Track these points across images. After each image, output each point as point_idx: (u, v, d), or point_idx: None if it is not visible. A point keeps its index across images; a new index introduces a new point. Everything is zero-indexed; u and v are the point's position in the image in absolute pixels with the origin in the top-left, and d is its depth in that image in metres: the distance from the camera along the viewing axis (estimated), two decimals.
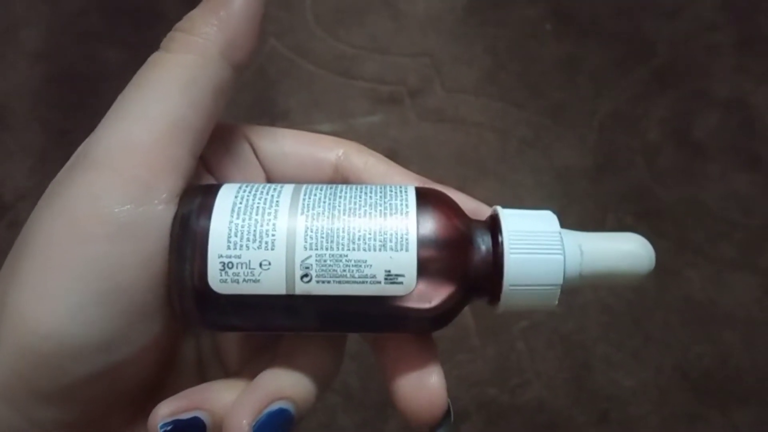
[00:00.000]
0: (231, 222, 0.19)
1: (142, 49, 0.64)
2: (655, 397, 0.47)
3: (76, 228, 0.19)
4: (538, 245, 0.20)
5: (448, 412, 0.21)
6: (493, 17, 0.64)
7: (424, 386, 0.21)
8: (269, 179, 0.24)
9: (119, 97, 0.21)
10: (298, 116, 0.59)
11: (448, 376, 0.48)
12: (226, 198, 0.19)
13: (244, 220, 0.19)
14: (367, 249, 0.18)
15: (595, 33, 0.63)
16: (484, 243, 0.20)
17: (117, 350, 0.19)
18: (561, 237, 0.20)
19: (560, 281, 0.19)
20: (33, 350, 0.18)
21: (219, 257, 0.18)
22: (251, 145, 0.23)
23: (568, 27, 0.64)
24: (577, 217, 0.54)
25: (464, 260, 0.19)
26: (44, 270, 0.19)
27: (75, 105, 0.59)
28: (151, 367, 0.21)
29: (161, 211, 0.19)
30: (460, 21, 0.64)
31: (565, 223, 0.59)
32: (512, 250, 0.19)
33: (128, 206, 0.19)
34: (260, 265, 0.18)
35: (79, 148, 0.21)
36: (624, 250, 0.20)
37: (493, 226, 0.20)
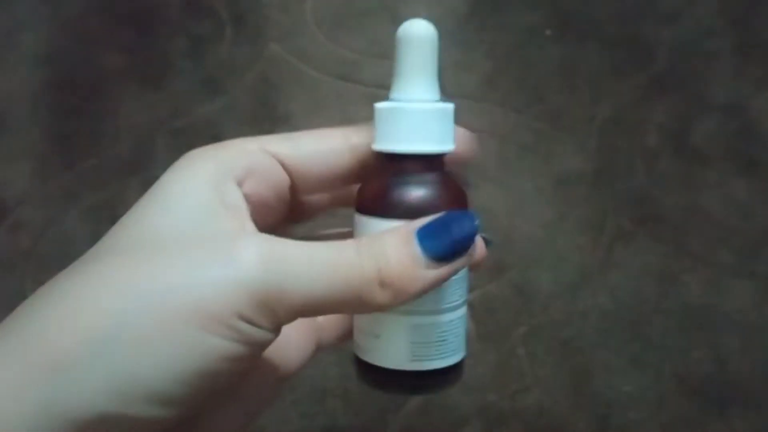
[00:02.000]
0: None
1: (143, 53, 0.65)
2: (654, 402, 0.47)
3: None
4: None
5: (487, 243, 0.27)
6: (492, 22, 0.64)
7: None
8: (293, 180, 0.25)
9: None
10: (298, 120, 0.59)
11: None
12: None
13: None
14: None
15: (594, 38, 0.63)
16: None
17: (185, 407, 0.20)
18: None
19: None
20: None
21: None
22: (273, 154, 0.25)
23: (568, 32, 0.64)
24: (577, 221, 0.54)
25: None
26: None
27: (76, 109, 0.59)
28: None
29: None
30: (460, 26, 0.64)
31: (564, 228, 0.59)
32: None
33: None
34: None
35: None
36: None
37: None
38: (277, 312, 0.20)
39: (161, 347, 0.19)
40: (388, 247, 0.21)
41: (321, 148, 0.26)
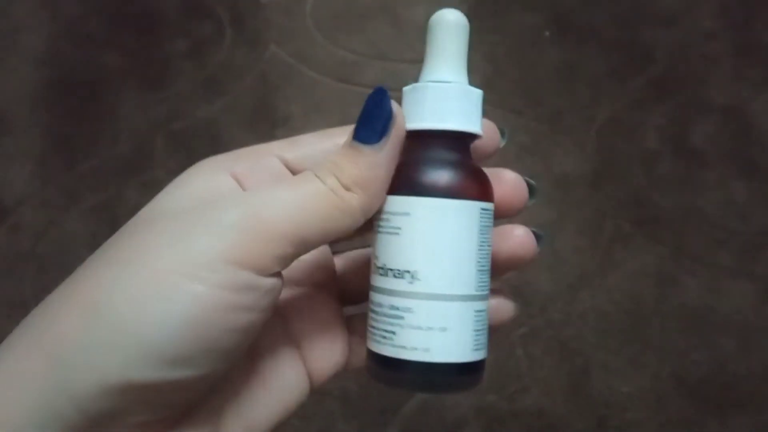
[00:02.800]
0: None
1: (143, 55, 0.65)
2: (652, 403, 0.47)
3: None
4: None
5: (532, 189, 0.27)
6: (492, 24, 0.64)
7: (501, 179, 0.27)
8: None
9: None
10: (298, 122, 0.59)
11: None
12: None
13: None
14: None
15: (593, 41, 0.64)
16: None
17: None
18: None
19: None
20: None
21: None
22: (279, 158, 0.25)
23: (567, 35, 0.64)
24: (576, 223, 0.54)
25: None
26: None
27: (75, 110, 0.59)
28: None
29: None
30: None
31: (563, 230, 0.59)
32: None
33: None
34: None
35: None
36: None
37: None
38: (262, 250, 0.21)
39: (155, 304, 0.19)
40: (335, 157, 0.23)
41: (324, 147, 0.25)
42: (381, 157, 0.23)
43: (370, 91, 0.23)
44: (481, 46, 0.63)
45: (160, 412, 0.21)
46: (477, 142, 0.26)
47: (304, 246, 0.22)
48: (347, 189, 0.22)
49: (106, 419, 0.20)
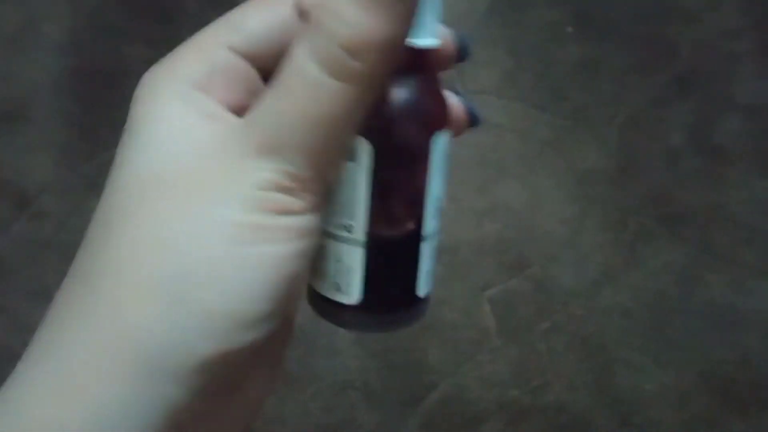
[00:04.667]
0: None
1: (164, 44, 0.65)
2: (676, 401, 0.47)
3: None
4: None
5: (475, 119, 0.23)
6: (513, 19, 0.64)
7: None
8: (255, 61, 0.21)
9: None
10: None
11: (469, 376, 0.49)
12: None
13: None
14: None
15: (616, 36, 0.63)
16: None
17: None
18: None
19: None
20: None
21: None
22: (231, 49, 0.21)
23: (589, 30, 0.64)
24: (598, 220, 0.54)
25: None
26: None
27: (97, 99, 0.59)
28: None
29: None
30: (480, 22, 0.63)
31: (585, 227, 0.58)
32: None
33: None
34: None
35: None
36: None
37: None
38: (297, 153, 0.18)
39: (231, 275, 0.18)
40: (344, 15, 0.17)
41: (272, 25, 0.21)
42: (402, 8, 0.17)
43: None
44: (503, 40, 0.63)
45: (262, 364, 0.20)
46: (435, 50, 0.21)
47: (333, 140, 0.18)
48: (356, 56, 0.17)
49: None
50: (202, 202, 0.18)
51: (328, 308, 0.21)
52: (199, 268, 0.18)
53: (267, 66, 0.21)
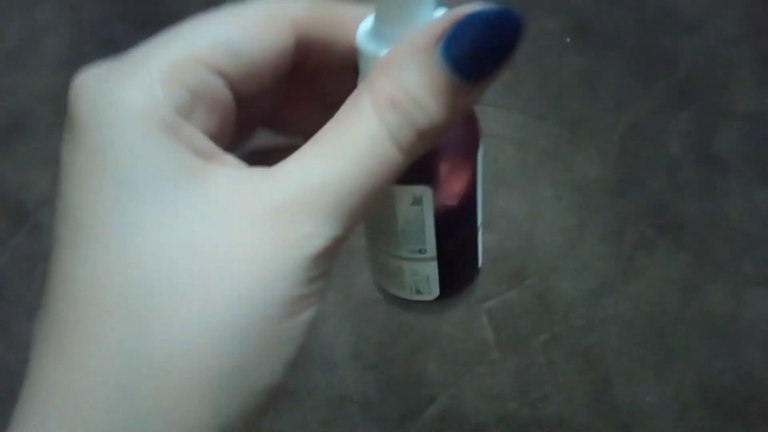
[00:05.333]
0: None
1: None
2: (676, 412, 0.47)
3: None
4: None
5: None
6: None
7: None
8: (235, 95, 0.19)
9: None
10: None
11: (468, 389, 0.48)
12: None
13: None
14: None
15: (615, 46, 0.63)
16: None
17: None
18: None
19: None
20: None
21: None
22: (210, 68, 0.18)
23: (588, 40, 0.64)
24: (598, 229, 0.54)
25: None
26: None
27: None
28: None
29: None
30: None
31: (585, 235, 0.58)
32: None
33: None
34: None
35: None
36: None
37: None
38: (353, 218, 0.17)
39: (268, 350, 0.17)
40: (417, 89, 0.17)
41: (269, 51, 0.19)
42: (471, 100, 0.17)
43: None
44: None
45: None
46: None
47: (367, 200, 0.18)
48: (422, 138, 0.17)
49: None
50: (248, 282, 0.16)
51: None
52: (248, 352, 0.17)
53: (242, 87, 0.18)
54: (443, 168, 0.21)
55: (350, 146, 0.17)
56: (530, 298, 0.51)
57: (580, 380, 0.48)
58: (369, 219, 0.22)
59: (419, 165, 0.18)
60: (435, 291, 0.24)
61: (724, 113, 0.60)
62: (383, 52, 0.17)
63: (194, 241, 0.16)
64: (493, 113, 0.59)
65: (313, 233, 0.16)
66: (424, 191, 0.21)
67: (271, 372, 0.17)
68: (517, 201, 0.55)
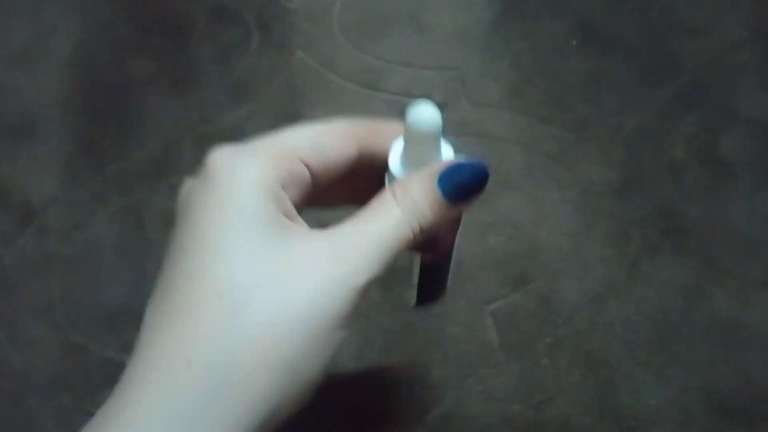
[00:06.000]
0: None
1: (171, 59, 0.65)
2: (679, 416, 0.47)
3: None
4: None
5: None
6: (518, 31, 0.64)
7: None
8: (313, 182, 0.29)
9: None
10: None
11: (471, 390, 0.49)
12: None
13: None
14: None
15: (620, 49, 0.63)
16: None
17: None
18: None
19: None
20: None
21: None
22: (302, 160, 0.28)
23: (594, 43, 0.64)
24: (602, 233, 0.54)
25: None
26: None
27: (104, 113, 0.59)
28: None
29: None
30: (485, 35, 0.64)
31: (590, 239, 0.59)
32: None
33: None
34: None
35: None
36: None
37: None
38: (386, 265, 0.27)
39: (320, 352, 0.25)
40: (421, 201, 0.27)
41: (342, 155, 0.29)
42: (455, 213, 0.29)
43: (474, 161, 0.29)
44: (507, 54, 0.63)
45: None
46: None
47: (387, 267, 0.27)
48: (422, 232, 0.27)
49: None
50: (316, 296, 0.25)
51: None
52: (305, 348, 0.24)
53: (320, 181, 0.29)
54: (430, 242, 0.30)
55: (385, 221, 0.26)
56: (534, 301, 0.51)
57: (584, 383, 0.48)
58: None
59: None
60: (413, 302, 0.37)
61: (729, 117, 0.60)
62: (405, 174, 0.28)
63: (281, 264, 0.24)
64: (498, 116, 0.59)
65: (363, 269, 0.25)
66: (414, 255, 0.33)
67: (314, 368, 0.25)
68: (521, 204, 0.55)
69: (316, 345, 0.24)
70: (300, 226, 0.27)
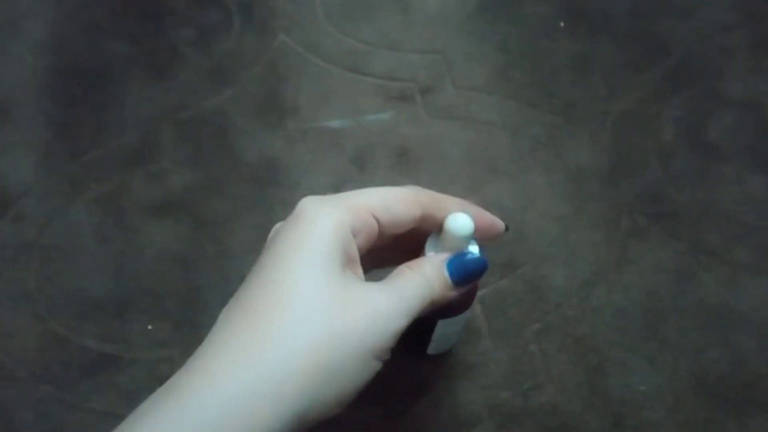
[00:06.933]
0: None
1: (149, 43, 0.63)
2: (669, 402, 0.46)
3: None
4: None
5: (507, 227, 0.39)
6: (505, 14, 0.63)
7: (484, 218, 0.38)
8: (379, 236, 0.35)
9: None
10: (307, 112, 0.58)
11: (459, 378, 0.48)
12: None
13: None
14: None
15: (608, 32, 0.62)
16: None
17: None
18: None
19: None
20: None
21: None
22: (375, 216, 0.34)
23: (581, 25, 0.63)
24: (591, 218, 0.53)
25: None
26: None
27: (80, 98, 0.58)
28: None
29: None
30: (471, 17, 0.63)
31: (578, 225, 0.58)
32: None
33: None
34: None
35: None
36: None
37: None
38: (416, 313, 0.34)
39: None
40: (435, 278, 0.35)
41: (406, 215, 0.34)
42: (456, 294, 0.36)
43: (475, 255, 0.36)
44: (494, 36, 0.62)
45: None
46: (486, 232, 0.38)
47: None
48: (432, 304, 0.34)
49: None
50: (364, 328, 0.31)
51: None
52: (344, 368, 0.30)
53: (385, 230, 0.34)
54: (447, 308, 0.37)
55: (416, 282, 0.34)
56: (522, 287, 0.50)
57: (573, 370, 0.47)
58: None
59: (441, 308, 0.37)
60: (429, 350, 0.45)
61: (717, 100, 0.59)
62: (432, 253, 0.36)
63: (341, 294, 0.31)
64: (486, 100, 0.58)
65: (398, 316, 0.32)
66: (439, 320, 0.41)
67: (345, 388, 0.30)
68: (509, 189, 0.54)
69: (357, 366, 0.30)
70: (356, 273, 0.33)
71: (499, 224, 0.38)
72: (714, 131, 0.57)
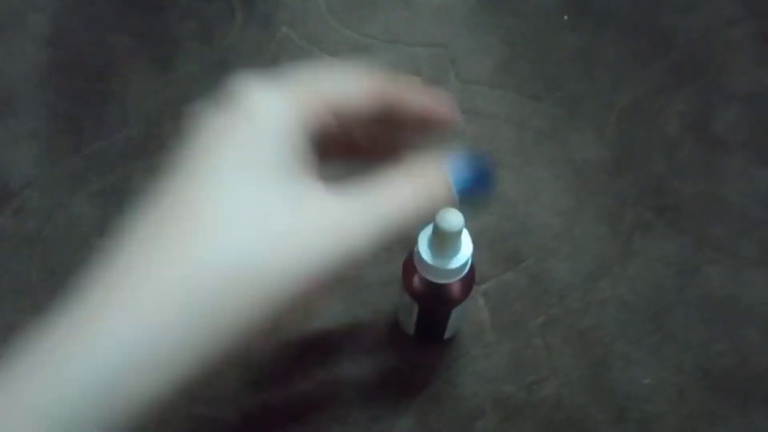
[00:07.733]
0: None
1: (152, 36, 0.63)
2: (674, 395, 0.46)
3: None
4: None
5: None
6: (508, 7, 0.63)
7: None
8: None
9: None
10: None
11: (463, 372, 0.47)
12: None
13: None
14: None
15: (612, 25, 0.62)
16: None
17: None
18: None
19: None
20: None
21: None
22: (331, 111, 0.27)
23: (585, 18, 0.62)
24: (595, 211, 0.53)
25: None
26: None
27: (82, 91, 0.58)
28: None
29: None
30: (474, 11, 0.62)
31: (582, 218, 0.58)
32: None
33: None
34: None
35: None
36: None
37: None
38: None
39: None
40: (436, 185, 0.27)
41: (368, 107, 0.28)
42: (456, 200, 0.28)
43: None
44: (498, 29, 0.61)
45: None
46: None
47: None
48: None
49: None
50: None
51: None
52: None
53: (344, 125, 0.28)
54: (432, 296, 0.40)
55: (395, 198, 0.26)
56: (526, 281, 0.50)
57: (577, 363, 0.47)
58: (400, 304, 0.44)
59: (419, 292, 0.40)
60: (411, 333, 0.46)
61: (722, 93, 0.59)
62: (431, 258, 0.36)
63: (278, 208, 0.24)
64: (489, 93, 0.58)
65: (357, 233, 0.25)
66: (413, 303, 0.41)
67: (267, 317, 0.24)
68: (513, 182, 0.54)
69: (290, 290, 0.24)
70: (313, 180, 0.25)
71: (446, 107, 0.31)
72: (718, 125, 0.57)
